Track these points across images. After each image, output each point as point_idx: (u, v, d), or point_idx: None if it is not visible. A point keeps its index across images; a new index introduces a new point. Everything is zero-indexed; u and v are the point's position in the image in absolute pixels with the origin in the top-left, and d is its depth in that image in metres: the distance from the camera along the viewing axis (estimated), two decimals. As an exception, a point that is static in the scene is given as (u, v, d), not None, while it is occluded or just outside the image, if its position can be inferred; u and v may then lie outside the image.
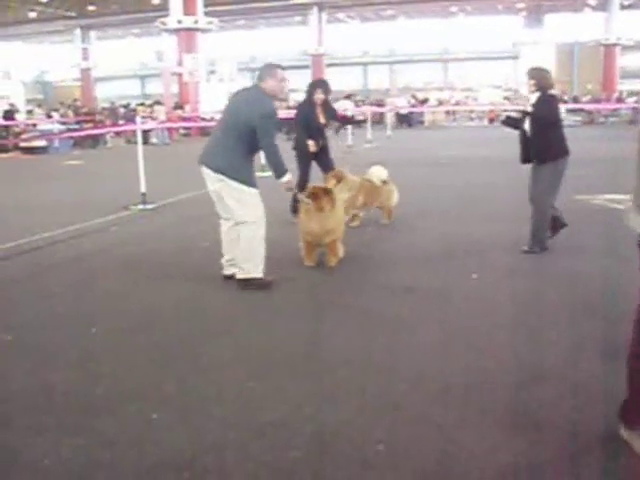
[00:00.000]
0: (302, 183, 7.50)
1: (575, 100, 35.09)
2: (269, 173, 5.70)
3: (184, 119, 27.25)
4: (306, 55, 43.28)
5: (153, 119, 24.20)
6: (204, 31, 30.56)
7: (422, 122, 34.41)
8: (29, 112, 28.53)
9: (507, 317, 4.74)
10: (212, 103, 28.38)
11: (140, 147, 10.27)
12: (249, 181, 5.36)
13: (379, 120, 29.91)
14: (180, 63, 29.79)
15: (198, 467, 2.86)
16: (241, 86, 6.16)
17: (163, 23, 30.23)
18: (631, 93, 37.02)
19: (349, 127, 18.70)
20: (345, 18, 48.56)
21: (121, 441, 3.08)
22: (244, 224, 5.35)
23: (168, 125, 24.51)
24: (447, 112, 37.02)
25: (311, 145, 7.82)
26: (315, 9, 42.11)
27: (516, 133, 6.57)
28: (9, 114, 24.47)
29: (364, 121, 23.72)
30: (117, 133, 25.07)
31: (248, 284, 5.40)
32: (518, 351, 4.07)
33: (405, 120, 33.00)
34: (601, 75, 39.77)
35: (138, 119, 11.83)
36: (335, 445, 3.00)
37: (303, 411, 3.33)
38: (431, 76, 51.10)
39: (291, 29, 49.79)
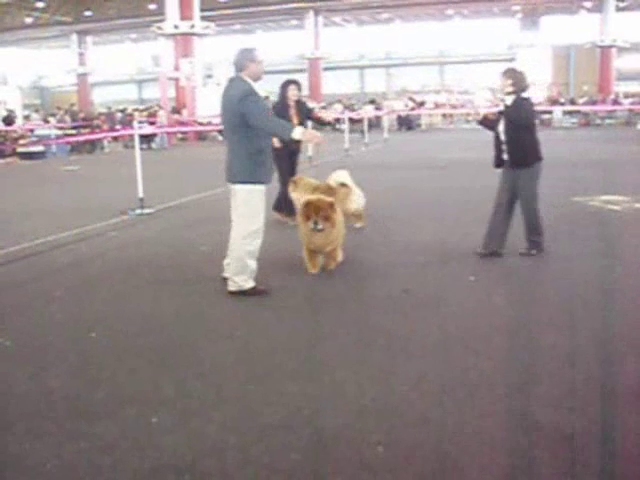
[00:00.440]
0: (286, 181, 7.90)
1: (572, 102, 35.18)
2: None
3: (181, 123, 27.27)
4: (303, 59, 43.34)
5: (152, 124, 24.23)
6: (200, 36, 30.59)
7: (419, 125, 34.46)
8: (26, 117, 28.55)
9: (505, 319, 4.76)
10: (209, 107, 28.46)
11: (138, 152, 10.28)
12: (251, 179, 5.27)
13: (376, 123, 29.97)
14: (177, 68, 29.82)
15: (198, 470, 2.88)
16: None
17: (159, 28, 30.25)
18: (627, 95, 37.15)
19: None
20: (341, 22, 48.60)
21: (121, 445, 3.09)
22: (237, 237, 5.35)
23: (167, 130, 24.51)
24: (444, 115, 37.06)
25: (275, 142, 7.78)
26: (311, 13, 42.18)
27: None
28: (9, 119, 24.46)
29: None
30: (114, 138, 25.06)
31: (240, 294, 5.41)
32: (516, 353, 4.09)
33: (404, 123, 33.05)
34: (597, 77, 39.83)
35: (135, 124, 11.84)
36: (335, 447, 3.02)
37: (303, 413, 3.35)
38: (427, 79, 51.13)
39: (287, 33, 49.83)
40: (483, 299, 5.25)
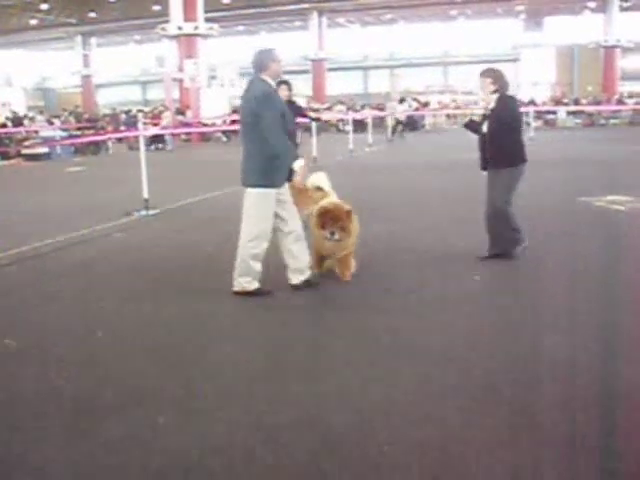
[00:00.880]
0: None
1: (576, 102, 35.13)
2: None
3: (186, 124, 27.31)
4: (307, 60, 43.37)
5: (155, 125, 24.27)
6: (204, 37, 30.65)
7: (423, 125, 34.41)
8: (30, 119, 28.63)
9: (509, 319, 4.76)
10: (213, 108, 28.52)
11: (143, 153, 10.31)
12: (263, 182, 5.22)
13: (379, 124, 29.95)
14: (181, 69, 29.87)
15: (204, 470, 2.88)
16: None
17: (163, 29, 30.31)
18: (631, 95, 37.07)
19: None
20: (345, 23, 48.64)
21: (128, 445, 3.10)
22: (244, 239, 5.34)
23: (172, 131, 24.54)
24: (448, 115, 37.04)
25: None
26: (315, 14, 42.26)
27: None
28: (17, 121, 24.53)
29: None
30: (119, 139, 25.11)
31: (245, 295, 5.41)
32: (520, 352, 4.09)
33: (410, 124, 32.99)
34: (601, 77, 39.78)
35: (140, 125, 11.88)
36: (341, 447, 3.02)
37: (309, 413, 3.35)
38: (431, 80, 51.08)
39: (291, 34, 49.84)
40: (487, 299, 5.25)
